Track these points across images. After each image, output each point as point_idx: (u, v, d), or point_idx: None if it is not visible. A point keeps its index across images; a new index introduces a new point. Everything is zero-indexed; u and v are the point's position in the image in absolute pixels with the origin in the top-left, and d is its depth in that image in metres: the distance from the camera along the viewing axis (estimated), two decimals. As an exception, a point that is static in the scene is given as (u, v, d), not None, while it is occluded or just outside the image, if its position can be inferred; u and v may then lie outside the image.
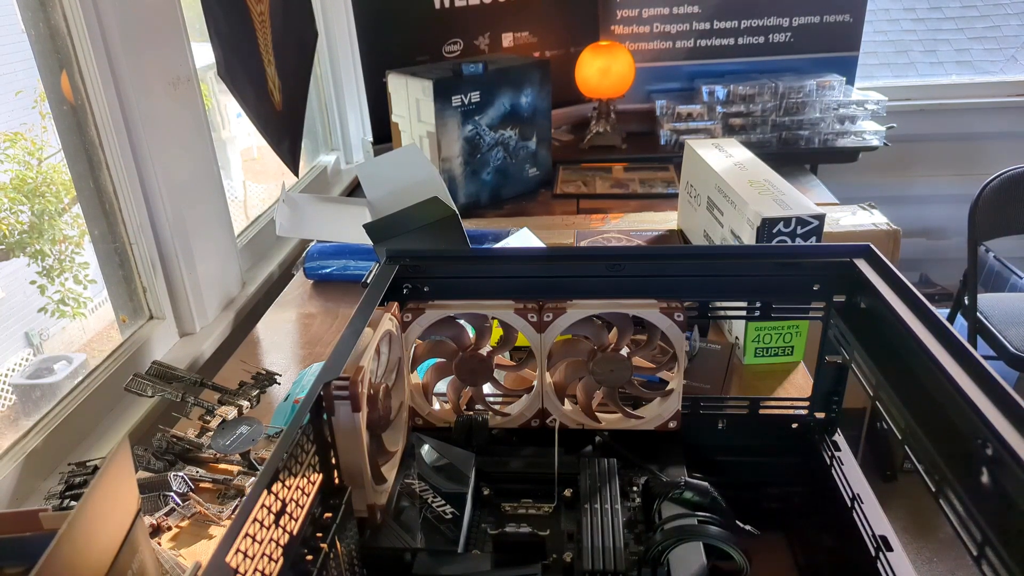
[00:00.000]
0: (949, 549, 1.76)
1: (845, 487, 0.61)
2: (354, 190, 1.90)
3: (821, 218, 0.89)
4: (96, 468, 0.75)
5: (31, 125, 1.37)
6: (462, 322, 0.70)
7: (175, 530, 0.72)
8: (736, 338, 0.99)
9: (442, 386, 0.73)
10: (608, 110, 1.96)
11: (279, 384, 0.94)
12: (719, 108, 1.90)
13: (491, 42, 1.88)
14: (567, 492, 0.62)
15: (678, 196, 1.34)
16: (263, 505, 0.43)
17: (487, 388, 0.73)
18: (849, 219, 1.39)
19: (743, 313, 0.69)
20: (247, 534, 0.40)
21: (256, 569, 0.41)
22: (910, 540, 1.79)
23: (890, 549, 0.54)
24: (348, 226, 1.07)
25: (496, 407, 0.73)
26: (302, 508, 0.49)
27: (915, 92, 2.45)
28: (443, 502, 0.60)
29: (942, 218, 2.48)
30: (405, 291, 0.69)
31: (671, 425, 0.69)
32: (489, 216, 1.57)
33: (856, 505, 0.59)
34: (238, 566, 0.39)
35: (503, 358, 0.73)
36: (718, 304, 0.70)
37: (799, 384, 0.92)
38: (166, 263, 1.10)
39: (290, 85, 1.49)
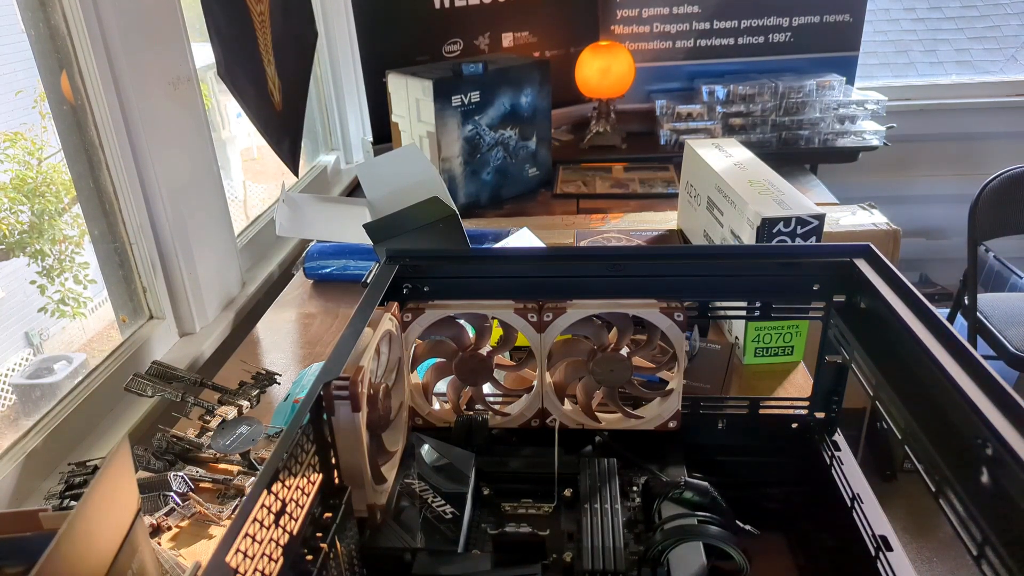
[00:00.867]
0: (949, 549, 1.76)
1: (845, 487, 0.61)
2: (354, 190, 1.90)
3: (821, 218, 0.89)
4: (96, 468, 0.75)
5: (31, 125, 1.37)
6: (462, 322, 0.70)
7: (175, 530, 0.72)
8: (736, 338, 0.99)
9: (442, 386, 0.73)
10: (608, 110, 1.96)
11: (279, 384, 0.94)
12: (719, 108, 1.90)
13: (491, 42, 1.88)
14: (567, 492, 0.62)
15: (678, 196, 1.34)
16: (263, 505, 0.43)
17: (487, 388, 0.73)
18: (849, 219, 1.39)
19: (743, 313, 0.69)
20: (247, 534, 0.40)
21: (256, 569, 0.41)
22: (910, 540, 1.79)
23: (890, 549, 0.54)
24: (348, 226, 1.07)
25: (496, 407, 0.73)
26: (302, 508, 0.49)
27: (915, 92, 2.45)
28: (443, 502, 0.60)
29: (942, 218, 2.48)
30: (405, 291, 0.69)
31: (671, 425, 0.69)
32: (489, 216, 1.57)
33: (856, 505, 0.59)
34: (238, 566, 0.39)
35: (503, 358, 0.73)
36: (718, 304, 0.70)
37: (799, 384, 0.92)
38: (166, 263, 1.10)
39: (290, 85, 1.48)
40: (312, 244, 1.32)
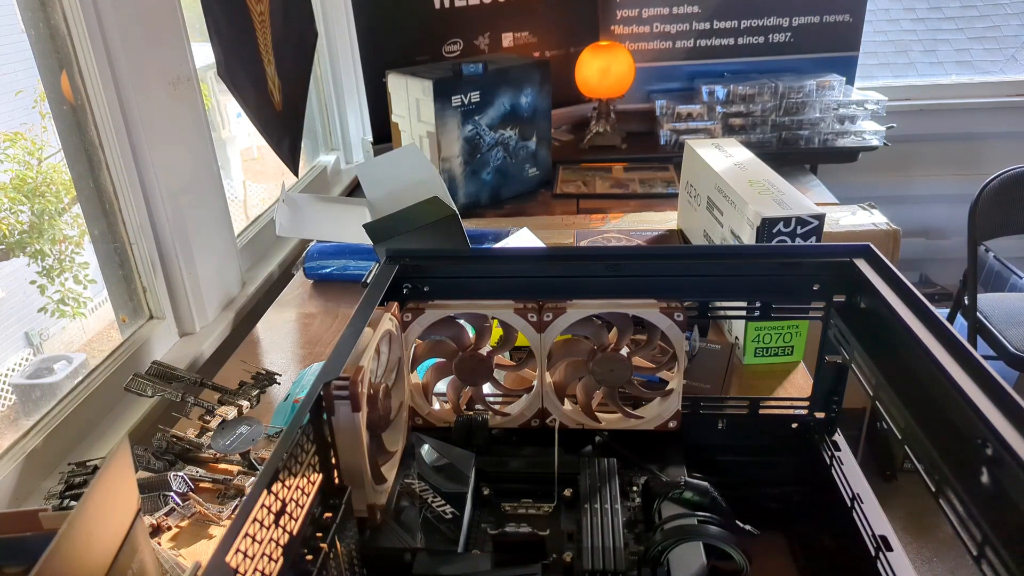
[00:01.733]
0: (949, 549, 1.76)
1: (845, 487, 0.61)
2: (354, 190, 1.89)
3: (821, 218, 0.89)
4: (96, 468, 0.75)
5: (31, 125, 1.37)
6: (462, 322, 0.70)
7: (175, 530, 0.72)
8: (736, 338, 0.99)
9: (442, 386, 0.73)
10: (608, 110, 1.96)
11: (279, 384, 0.94)
12: (719, 108, 1.90)
13: (491, 42, 1.88)
14: (567, 492, 0.62)
15: (678, 196, 1.34)
16: (263, 505, 0.43)
17: (487, 388, 0.73)
18: (849, 219, 1.39)
19: (743, 313, 0.69)
20: (247, 534, 0.40)
21: (256, 569, 0.41)
22: (910, 540, 1.79)
23: (890, 549, 0.54)
24: (348, 226, 1.07)
25: (496, 407, 0.73)
26: (302, 508, 0.49)
27: (915, 92, 2.45)
28: (443, 502, 0.60)
29: (942, 218, 2.48)
30: (405, 291, 0.69)
31: (671, 425, 0.69)
32: (489, 216, 1.57)
33: (856, 505, 0.59)
34: (238, 566, 0.39)
35: (503, 358, 0.73)
36: (718, 304, 0.70)
37: (799, 384, 0.92)
38: (166, 263, 1.10)
39: (290, 85, 1.48)
40: (312, 244, 1.32)
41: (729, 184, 1.00)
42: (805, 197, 0.93)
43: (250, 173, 2.76)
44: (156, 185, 1.05)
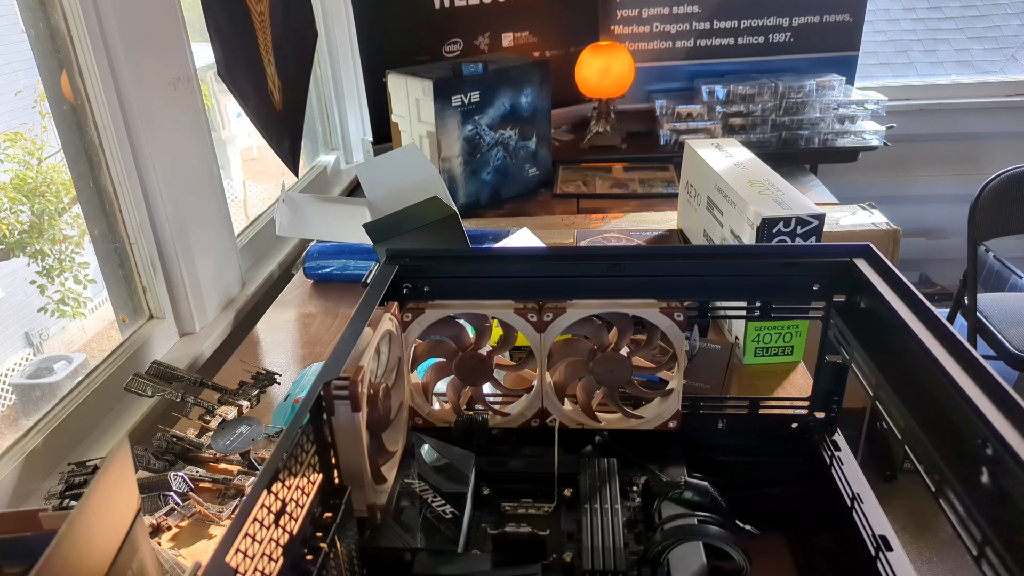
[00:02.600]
0: (949, 549, 1.76)
1: (845, 487, 0.61)
2: (354, 190, 1.89)
3: (821, 218, 0.89)
4: (96, 468, 0.75)
5: (31, 125, 1.37)
6: (462, 322, 0.70)
7: (175, 530, 0.72)
8: (736, 338, 0.99)
9: (442, 386, 0.73)
10: (608, 110, 1.96)
11: (279, 384, 0.94)
12: (719, 108, 1.90)
13: (491, 42, 1.88)
14: (567, 492, 0.62)
15: (678, 196, 1.34)
16: (263, 505, 0.43)
17: (487, 388, 0.73)
18: (849, 219, 1.39)
19: (743, 313, 0.69)
20: (247, 534, 0.40)
21: (256, 569, 0.41)
22: (910, 540, 1.79)
23: (890, 549, 0.54)
24: (348, 226, 1.07)
25: (496, 407, 0.73)
26: (302, 508, 0.49)
27: (915, 92, 2.45)
28: (443, 502, 0.60)
29: (942, 218, 2.48)
30: (405, 291, 0.69)
31: (671, 425, 0.69)
32: (489, 216, 1.57)
33: (856, 505, 0.59)
34: (238, 566, 0.39)
35: (503, 358, 0.73)
36: (718, 304, 0.70)
37: (799, 384, 0.92)
38: (166, 263, 1.10)
39: (290, 85, 1.48)
40: (312, 244, 1.32)
41: (729, 184, 1.00)
42: (805, 197, 0.93)
43: (250, 173, 2.76)
44: (156, 185, 1.05)
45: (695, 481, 0.60)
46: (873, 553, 0.55)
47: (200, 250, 1.14)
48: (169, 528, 0.72)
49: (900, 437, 0.51)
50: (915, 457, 0.48)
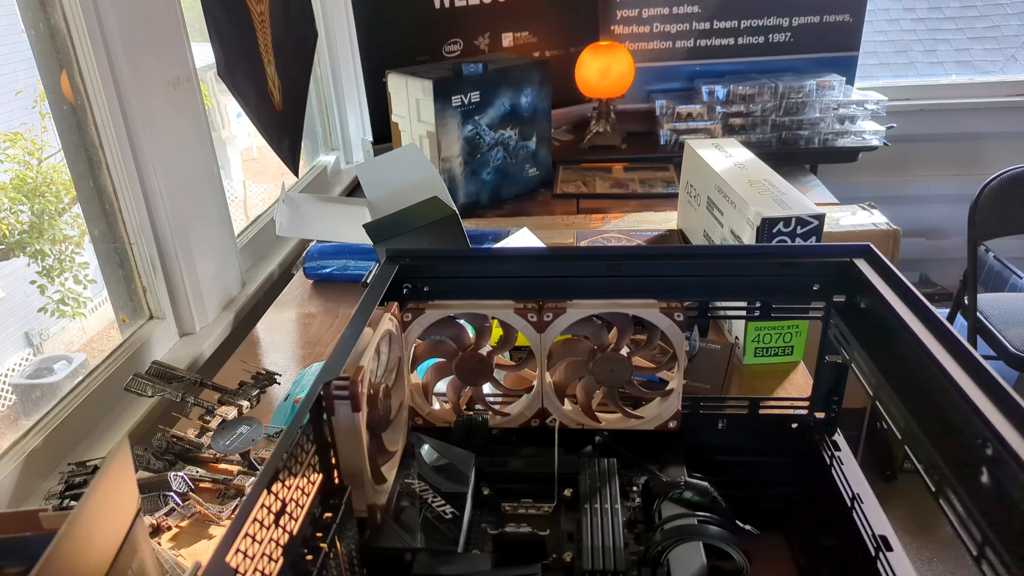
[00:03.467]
0: (949, 549, 1.76)
1: (845, 487, 0.61)
2: (354, 190, 1.89)
3: (821, 218, 0.89)
4: (96, 468, 0.75)
5: (31, 125, 1.37)
6: (462, 322, 0.70)
7: (175, 530, 0.72)
8: (736, 338, 0.99)
9: (442, 386, 0.73)
10: (608, 110, 1.96)
11: (279, 384, 0.94)
12: (719, 108, 1.90)
13: (491, 42, 1.88)
14: (567, 492, 0.62)
15: (678, 196, 1.34)
16: (263, 505, 0.43)
17: (487, 388, 0.73)
18: (849, 219, 1.39)
19: (743, 313, 0.69)
20: (247, 534, 0.40)
21: (256, 569, 0.41)
22: (910, 540, 1.79)
23: (890, 549, 0.54)
24: (348, 226, 1.07)
25: (496, 407, 0.73)
26: (302, 508, 0.49)
27: (915, 92, 2.45)
28: (443, 502, 0.60)
29: (942, 218, 2.48)
30: (405, 291, 0.69)
31: (671, 425, 0.69)
32: (489, 216, 1.57)
33: (856, 505, 0.59)
34: (238, 566, 0.39)
35: (503, 358, 0.73)
36: (718, 304, 0.70)
37: (799, 384, 0.92)
38: (166, 263, 1.10)
39: (290, 85, 1.49)
40: (312, 244, 1.32)
41: (729, 184, 1.00)
42: (805, 197, 0.93)
43: (250, 173, 2.76)
44: (156, 185, 1.05)
45: (695, 481, 0.60)
46: (873, 553, 0.55)
47: (200, 250, 1.14)
48: (169, 528, 0.72)
49: (900, 437, 0.51)
50: (915, 457, 0.48)
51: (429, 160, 1.40)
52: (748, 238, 0.93)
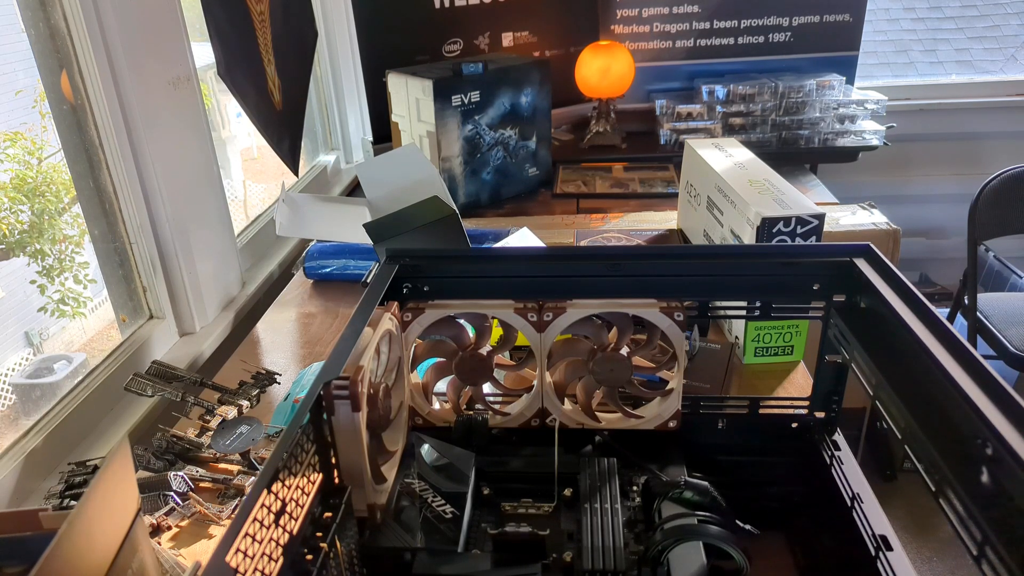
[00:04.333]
0: (949, 549, 1.76)
1: (845, 487, 0.61)
2: (354, 190, 1.89)
3: (821, 218, 0.89)
4: (96, 468, 0.75)
5: (31, 125, 1.37)
6: (462, 322, 0.70)
7: (175, 530, 0.72)
8: (736, 338, 0.99)
9: (442, 386, 0.73)
10: (608, 110, 1.96)
11: (279, 384, 0.94)
12: (719, 108, 1.90)
13: (491, 42, 1.88)
14: (567, 492, 0.62)
15: (678, 196, 1.34)
16: (263, 505, 0.43)
17: (487, 388, 0.73)
18: (849, 219, 1.39)
19: (743, 313, 0.69)
20: (247, 534, 0.40)
21: (256, 569, 0.41)
22: (910, 540, 1.79)
23: (890, 549, 0.54)
24: (348, 226, 1.07)
25: (496, 407, 0.73)
26: (302, 508, 0.49)
27: (915, 92, 2.45)
28: (443, 502, 0.60)
29: (942, 218, 2.48)
30: (405, 291, 0.69)
31: (671, 425, 0.69)
32: (489, 216, 1.57)
33: (856, 505, 0.59)
34: (238, 566, 0.39)
35: (503, 358, 0.73)
36: (718, 304, 0.70)
37: (799, 384, 0.92)
38: (166, 263, 1.10)
39: (290, 85, 1.48)
40: (312, 244, 1.32)
41: (729, 184, 1.00)
42: (805, 197, 0.93)
43: (250, 173, 2.76)
44: (156, 185, 1.05)
45: (695, 481, 0.59)
46: (873, 553, 0.55)
47: (200, 250, 1.14)
48: (169, 528, 0.72)
49: (900, 437, 0.51)
50: (915, 457, 0.48)
51: (429, 160, 1.40)
52: (748, 238, 0.93)
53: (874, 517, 0.57)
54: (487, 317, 0.69)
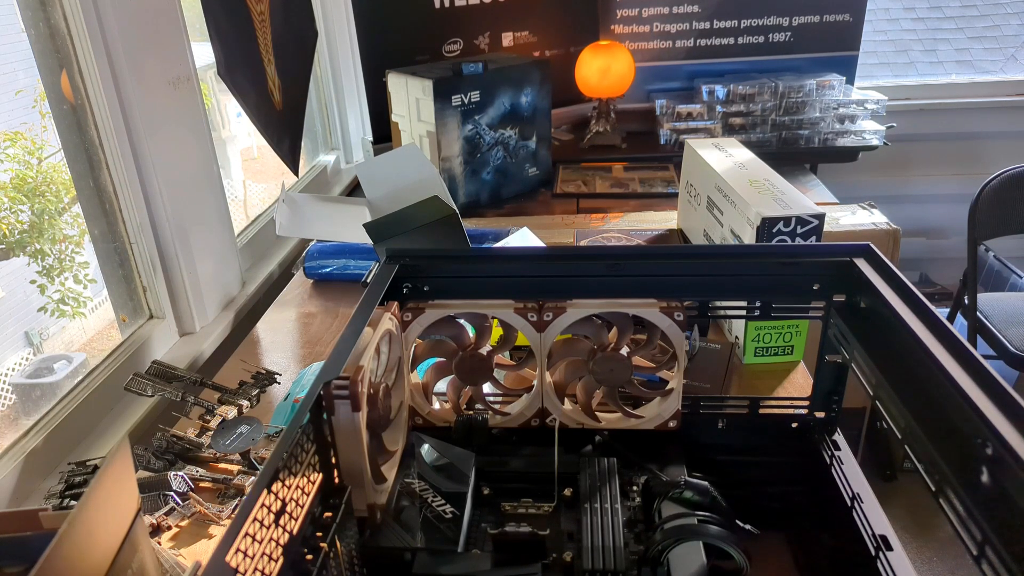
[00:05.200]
0: (949, 549, 1.76)
1: (845, 487, 0.61)
2: (354, 190, 1.89)
3: (821, 217, 0.89)
4: (96, 468, 0.75)
5: (31, 125, 1.37)
6: (462, 321, 0.70)
7: (175, 530, 0.72)
8: (736, 337, 0.99)
9: (442, 385, 0.73)
10: (608, 109, 1.96)
11: (279, 384, 0.94)
12: (719, 108, 1.90)
13: (491, 42, 1.88)
14: (567, 492, 0.62)
15: (678, 196, 1.34)
16: (263, 505, 0.43)
17: (487, 388, 0.73)
18: (849, 218, 1.39)
19: (743, 313, 0.69)
20: (247, 534, 0.40)
21: (256, 569, 0.41)
22: (910, 540, 1.79)
23: (890, 549, 0.54)
24: (348, 226, 1.07)
25: (496, 407, 0.73)
26: (302, 508, 0.49)
27: (915, 92, 2.45)
28: (443, 501, 0.60)
29: (942, 217, 2.48)
30: (405, 290, 0.69)
31: (671, 425, 0.69)
32: (489, 216, 1.57)
33: (856, 505, 0.59)
34: (238, 566, 0.39)
35: (503, 358, 0.73)
36: (718, 304, 0.70)
37: (799, 384, 0.92)
38: (166, 262, 1.10)
39: (290, 85, 1.48)
40: (312, 244, 1.32)
41: (729, 184, 1.00)
42: (805, 197, 0.93)
43: (250, 173, 2.76)
44: (156, 185, 1.05)
45: (695, 481, 0.59)
46: (873, 553, 0.55)
47: (200, 250, 1.14)
48: (169, 528, 0.72)
49: (900, 437, 0.51)
50: (915, 457, 0.48)
51: (429, 160, 1.40)
52: (748, 238, 0.93)
53: (874, 517, 0.57)
54: (487, 317, 0.69)
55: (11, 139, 1.38)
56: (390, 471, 0.61)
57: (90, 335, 1.67)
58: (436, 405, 0.72)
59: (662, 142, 1.96)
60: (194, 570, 0.65)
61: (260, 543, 0.42)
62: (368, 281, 0.72)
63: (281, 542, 0.45)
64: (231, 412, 0.84)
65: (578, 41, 2.00)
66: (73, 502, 0.71)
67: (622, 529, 0.57)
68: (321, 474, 0.52)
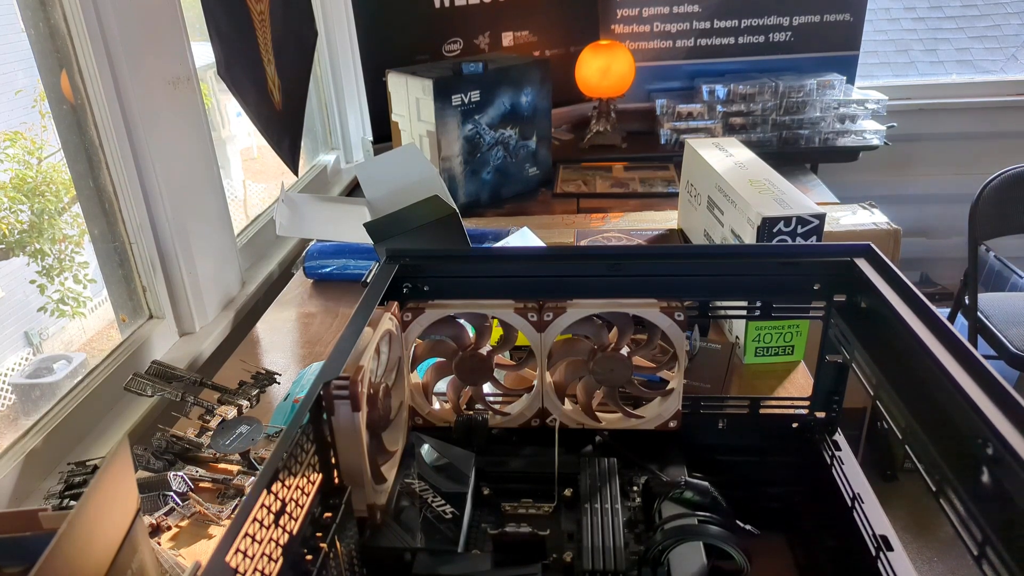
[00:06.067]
0: (949, 549, 1.76)
1: (845, 487, 0.61)
2: (354, 190, 1.89)
3: (821, 217, 0.89)
4: (96, 468, 0.75)
5: (31, 124, 1.37)
6: (462, 321, 0.70)
7: (175, 530, 0.72)
8: (736, 337, 0.99)
9: (442, 386, 0.73)
10: (608, 109, 1.96)
11: (279, 384, 0.94)
12: (719, 107, 1.90)
13: (491, 41, 1.88)
14: (567, 492, 0.62)
15: (678, 195, 1.34)
16: (263, 505, 0.42)
17: (487, 388, 0.73)
18: (849, 218, 1.38)
19: (743, 313, 0.69)
20: (247, 534, 0.40)
21: (256, 569, 0.41)
22: (910, 540, 1.79)
23: (890, 549, 0.54)
24: (348, 226, 1.07)
25: (496, 407, 0.73)
26: (302, 508, 0.48)
27: (915, 91, 2.45)
28: (443, 502, 0.60)
29: (942, 217, 2.48)
30: (405, 290, 0.69)
31: (671, 425, 0.69)
32: (489, 215, 1.57)
33: (856, 505, 0.59)
34: (238, 566, 0.39)
35: (503, 358, 0.73)
36: (718, 304, 0.70)
37: (799, 384, 0.92)
38: (166, 262, 1.10)
39: (290, 84, 1.48)
40: (312, 243, 1.32)
41: (730, 183, 1.00)
42: (806, 196, 0.93)
43: (250, 173, 2.75)
44: (156, 185, 1.05)
45: (695, 481, 0.59)
46: (874, 553, 0.55)
47: (200, 250, 1.14)
48: (169, 528, 0.72)
49: (900, 437, 0.51)
50: (915, 457, 0.48)
51: (429, 159, 1.40)
52: (749, 237, 0.92)
53: (874, 517, 0.57)
54: (487, 317, 0.69)
55: (11, 139, 1.38)
56: (390, 471, 0.61)
57: (90, 335, 1.67)
58: (436, 405, 0.72)
59: (662, 142, 1.95)
60: (194, 570, 0.65)
61: (260, 543, 0.42)
62: (368, 281, 0.72)
63: (281, 542, 0.45)
64: (231, 412, 0.84)
65: (578, 41, 2.00)
66: (73, 502, 0.71)
67: (622, 529, 0.57)
68: (321, 474, 0.52)
